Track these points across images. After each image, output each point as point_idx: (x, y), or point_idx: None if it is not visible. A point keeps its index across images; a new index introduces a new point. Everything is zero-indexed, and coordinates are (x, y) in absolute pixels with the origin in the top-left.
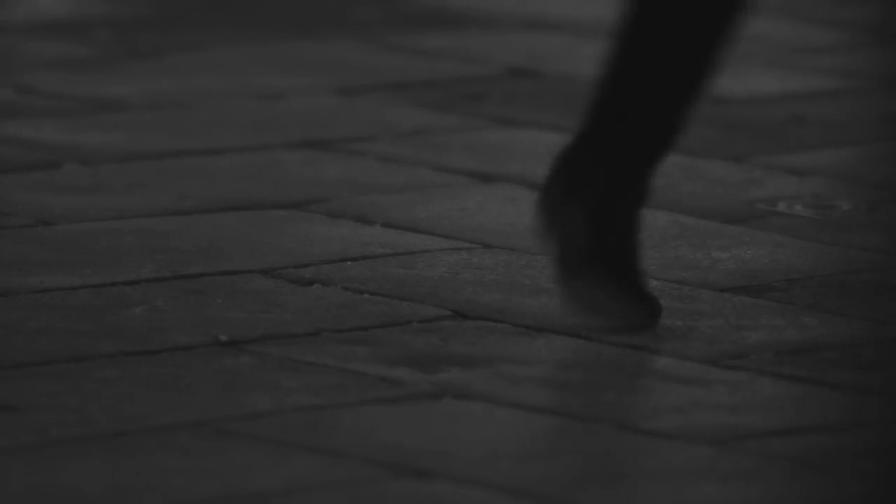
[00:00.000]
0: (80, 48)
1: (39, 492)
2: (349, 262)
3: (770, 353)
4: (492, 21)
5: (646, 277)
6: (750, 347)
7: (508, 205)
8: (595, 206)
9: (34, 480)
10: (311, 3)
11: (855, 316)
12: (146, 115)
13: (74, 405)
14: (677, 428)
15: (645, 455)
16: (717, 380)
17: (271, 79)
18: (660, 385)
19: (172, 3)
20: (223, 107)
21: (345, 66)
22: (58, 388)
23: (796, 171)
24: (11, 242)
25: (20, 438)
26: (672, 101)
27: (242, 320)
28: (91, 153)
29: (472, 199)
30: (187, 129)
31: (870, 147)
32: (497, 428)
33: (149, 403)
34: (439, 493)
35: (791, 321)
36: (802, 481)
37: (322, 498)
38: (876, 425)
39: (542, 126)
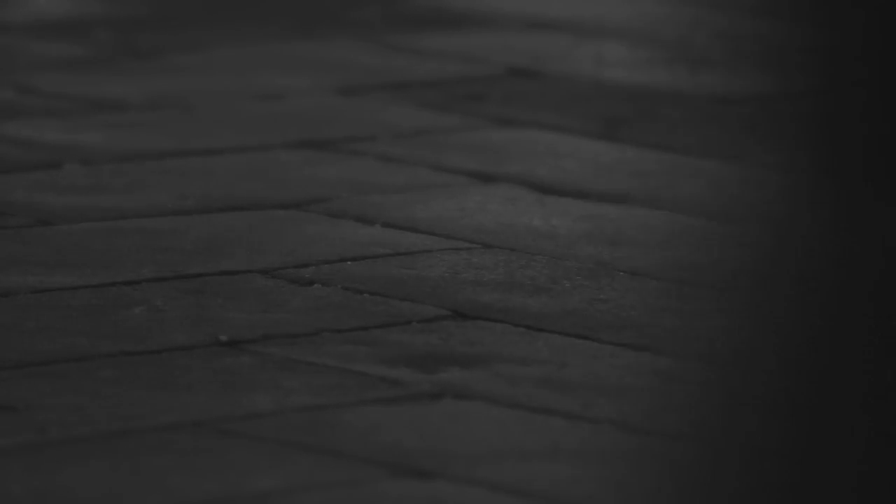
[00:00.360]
0: (80, 48)
1: (39, 492)
2: (349, 262)
3: None
4: (492, 21)
5: None
6: None
7: (508, 205)
8: None
9: (34, 480)
10: (311, 3)
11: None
12: (146, 115)
13: (74, 405)
14: (677, 427)
15: (644, 454)
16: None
17: (271, 79)
18: (660, 385)
19: (172, 2)
20: (223, 107)
21: (345, 66)
22: (58, 388)
23: None
24: (11, 242)
25: (20, 438)
26: None
27: (242, 320)
28: (91, 153)
29: (472, 199)
30: (187, 129)
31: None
32: (497, 428)
33: (149, 403)
34: (439, 493)
35: None
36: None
37: (322, 498)
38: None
39: (542, 126)
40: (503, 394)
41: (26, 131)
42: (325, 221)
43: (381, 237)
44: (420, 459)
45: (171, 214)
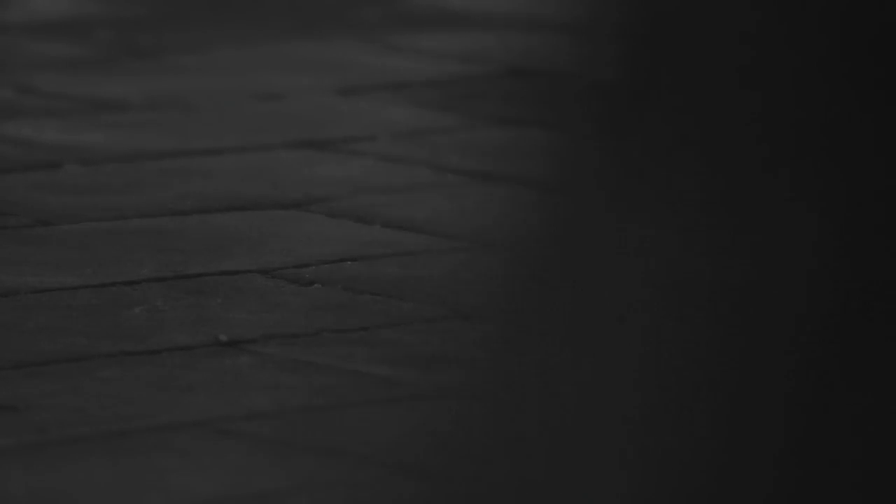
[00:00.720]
0: (80, 48)
1: (39, 492)
2: (349, 262)
3: None
4: (492, 21)
5: None
6: None
7: (508, 205)
8: None
9: (34, 480)
10: (311, 3)
11: None
12: (146, 115)
13: (74, 405)
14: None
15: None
16: None
17: (271, 79)
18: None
19: (172, 3)
20: (223, 107)
21: (345, 66)
22: (58, 388)
23: None
24: (11, 242)
25: (20, 438)
26: None
27: (242, 320)
28: (91, 153)
29: (472, 199)
30: (187, 129)
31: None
32: (497, 426)
33: (149, 403)
34: (441, 491)
35: None
36: None
37: (322, 498)
38: None
39: (542, 126)
40: (503, 393)
41: (26, 131)
42: (325, 221)
43: (381, 237)
44: (421, 459)
45: (171, 214)
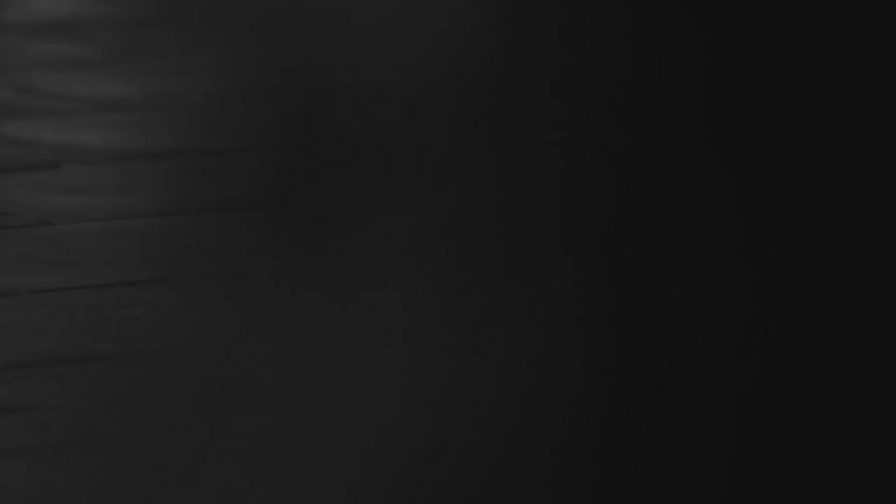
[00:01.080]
0: (80, 48)
1: (39, 492)
2: None
3: None
4: None
5: None
6: None
7: None
8: None
9: (34, 480)
10: (310, 3)
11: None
12: (146, 115)
13: (74, 405)
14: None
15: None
16: None
17: (271, 79)
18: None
19: (172, 2)
20: (223, 107)
21: None
22: (58, 388)
23: None
24: (11, 242)
25: (20, 438)
26: None
27: (243, 320)
28: (91, 153)
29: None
30: (187, 129)
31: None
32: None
33: (149, 403)
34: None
35: None
36: None
37: (325, 499)
38: None
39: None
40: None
41: (26, 131)
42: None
43: None
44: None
45: (171, 214)
